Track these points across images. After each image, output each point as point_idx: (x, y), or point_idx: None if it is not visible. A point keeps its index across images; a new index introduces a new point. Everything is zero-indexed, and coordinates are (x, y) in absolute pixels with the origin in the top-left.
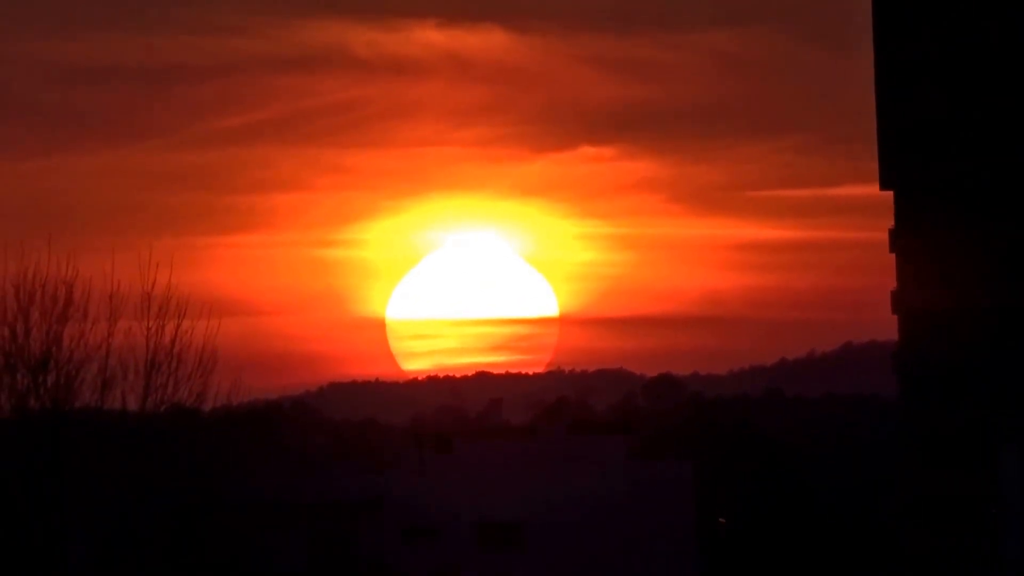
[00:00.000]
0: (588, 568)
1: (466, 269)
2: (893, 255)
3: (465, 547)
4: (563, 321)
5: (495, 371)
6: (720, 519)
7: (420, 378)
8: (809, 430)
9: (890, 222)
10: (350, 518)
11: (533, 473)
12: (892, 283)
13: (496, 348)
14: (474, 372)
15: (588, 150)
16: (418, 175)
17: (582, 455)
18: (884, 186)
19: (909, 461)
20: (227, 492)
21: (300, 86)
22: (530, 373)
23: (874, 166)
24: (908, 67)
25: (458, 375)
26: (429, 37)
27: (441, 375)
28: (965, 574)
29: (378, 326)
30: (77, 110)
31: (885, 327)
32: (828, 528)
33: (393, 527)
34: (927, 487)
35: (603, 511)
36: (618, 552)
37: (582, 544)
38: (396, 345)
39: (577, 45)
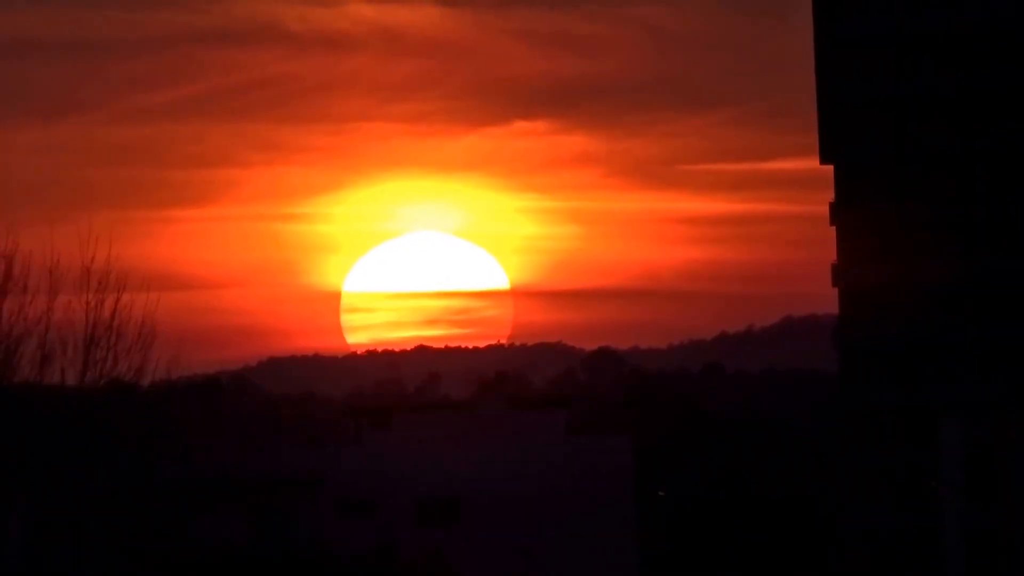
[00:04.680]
0: (527, 542)
1: (409, 244)
2: (833, 229)
3: (403, 522)
4: (505, 295)
5: (434, 345)
6: (659, 492)
7: (359, 352)
8: (749, 404)
9: (830, 195)
10: (288, 493)
11: (472, 448)
12: (832, 257)
13: (435, 322)
14: (413, 346)
15: (521, 125)
16: (350, 150)
17: (521, 430)
18: (824, 159)
19: (848, 436)
20: (165, 467)
21: (231, 60)
22: (469, 347)
23: (813, 139)
24: (849, 39)
25: (397, 349)
26: (360, 11)
27: (380, 349)
28: (904, 550)
29: (325, 300)
30: (9, 85)
31: (825, 301)
32: (766, 503)
33: (331, 502)
34: (866, 463)
35: (542, 486)
36: (557, 526)
37: (521, 519)
38: (345, 319)
39: (509, 19)
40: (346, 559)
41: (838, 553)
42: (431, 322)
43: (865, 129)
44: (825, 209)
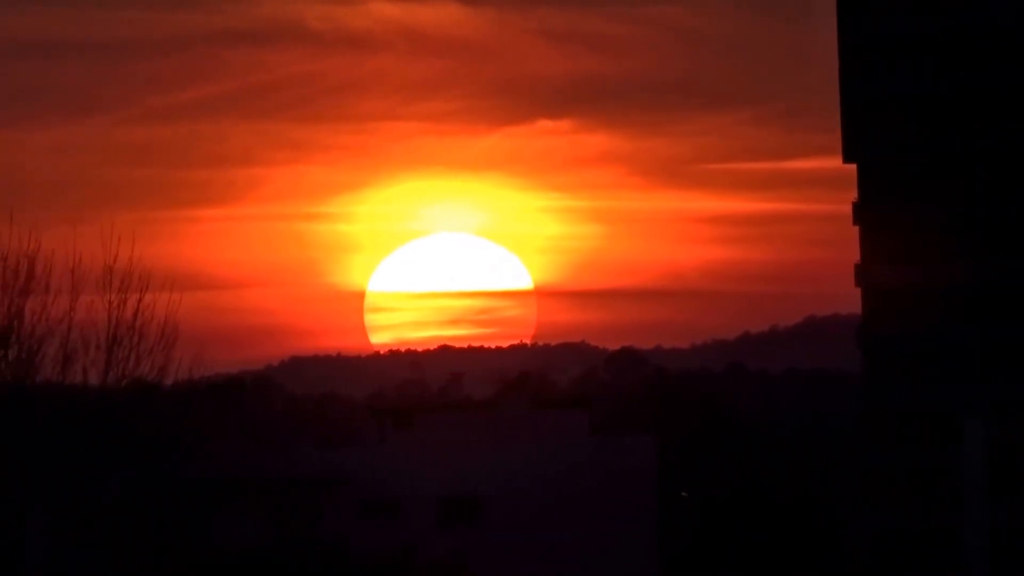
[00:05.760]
0: (549, 543)
1: (432, 244)
2: (856, 228)
3: (425, 523)
4: (529, 295)
5: (457, 345)
6: (683, 492)
7: (382, 352)
8: (772, 404)
9: (853, 195)
10: (310, 494)
11: (494, 448)
12: (855, 256)
13: (458, 322)
14: (436, 346)
15: (545, 123)
16: (373, 150)
17: (544, 430)
18: (848, 159)
19: (871, 436)
20: (187, 467)
21: (254, 59)
22: (492, 347)
23: (836, 138)
24: (873, 38)
25: (420, 349)
26: (383, 10)
27: (403, 349)
28: (926, 551)
29: (348, 300)
30: (32, 85)
31: (848, 301)
32: (789, 504)
33: (353, 503)
34: (889, 462)
35: (565, 486)
36: (580, 527)
37: (543, 519)
38: (368, 319)
39: (532, 18)
40: (368, 560)
41: (859, 554)
42: (454, 322)
43: (888, 128)
44: (848, 208)
